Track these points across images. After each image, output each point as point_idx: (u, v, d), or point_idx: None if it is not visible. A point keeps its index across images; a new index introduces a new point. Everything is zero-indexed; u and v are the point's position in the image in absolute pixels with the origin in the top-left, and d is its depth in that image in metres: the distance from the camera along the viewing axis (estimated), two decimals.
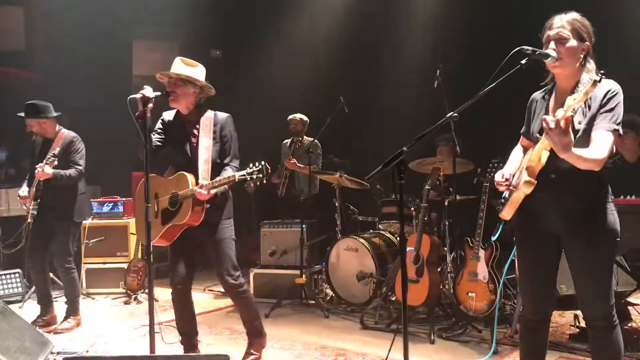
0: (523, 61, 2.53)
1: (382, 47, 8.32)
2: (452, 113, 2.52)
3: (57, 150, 4.87)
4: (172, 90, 3.73)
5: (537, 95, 2.88)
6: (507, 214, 2.78)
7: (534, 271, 2.85)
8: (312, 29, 8.63)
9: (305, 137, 6.65)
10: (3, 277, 6.12)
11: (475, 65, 5.97)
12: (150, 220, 3.28)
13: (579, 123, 2.56)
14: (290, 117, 6.63)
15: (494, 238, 4.43)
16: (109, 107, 7.63)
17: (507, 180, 2.78)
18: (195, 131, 3.83)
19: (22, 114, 5.05)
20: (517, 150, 3.01)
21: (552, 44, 2.62)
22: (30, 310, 5.42)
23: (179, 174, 3.75)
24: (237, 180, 3.53)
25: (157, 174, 3.96)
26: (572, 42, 2.61)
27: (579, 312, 4.05)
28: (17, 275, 6.18)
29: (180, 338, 3.95)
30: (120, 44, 8.06)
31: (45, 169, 4.75)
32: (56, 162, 4.83)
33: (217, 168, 3.78)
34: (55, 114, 5.08)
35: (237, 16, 9.17)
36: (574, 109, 2.36)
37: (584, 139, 2.53)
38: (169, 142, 3.89)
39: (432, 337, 4.44)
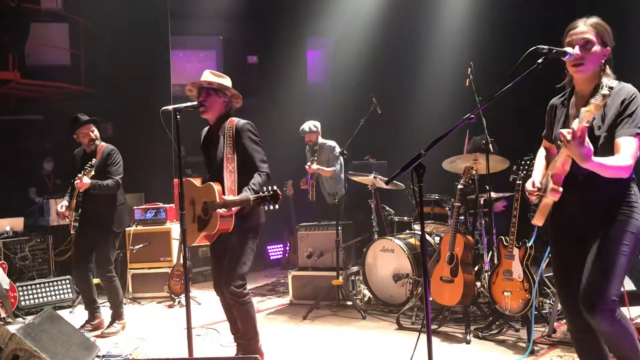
0: (540, 60, 2.54)
1: (415, 48, 8.32)
2: (468, 115, 2.54)
3: (93, 161, 5.00)
4: (203, 100, 3.82)
5: (556, 101, 2.89)
6: (538, 220, 2.81)
7: (567, 273, 2.83)
8: (344, 34, 8.68)
9: (323, 140, 6.63)
10: (54, 283, 6.39)
11: (507, 62, 5.90)
12: (185, 228, 3.41)
13: (599, 128, 2.57)
14: (300, 130, 6.58)
15: (529, 243, 4.37)
16: (150, 116, 7.89)
17: (538, 189, 2.80)
18: (220, 141, 3.87)
19: (85, 119, 5.17)
20: (541, 153, 3.04)
21: (576, 49, 2.60)
22: (80, 314, 5.65)
23: (206, 184, 3.78)
24: (252, 203, 3.47)
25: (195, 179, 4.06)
26: (597, 47, 2.62)
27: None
28: (67, 281, 6.44)
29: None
30: (159, 54, 8.30)
31: (83, 180, 4.89)
32: (93, 172, 4.94)
33: (243, 176, 3.76)
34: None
35: (272, 23, 9.32)
36: (588, 121, 2.36)
37: (607, 147, 2.55)
38: (203, 154, 4.01)
39: (467, 337, 4.43)
